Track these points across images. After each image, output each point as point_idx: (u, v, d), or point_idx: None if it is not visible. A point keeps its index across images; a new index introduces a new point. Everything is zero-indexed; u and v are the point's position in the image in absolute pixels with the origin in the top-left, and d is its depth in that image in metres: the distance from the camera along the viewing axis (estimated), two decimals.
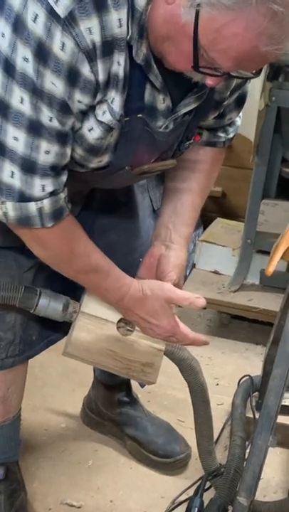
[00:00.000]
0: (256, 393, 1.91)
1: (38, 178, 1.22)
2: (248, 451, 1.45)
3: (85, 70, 1.12)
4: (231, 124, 1.47)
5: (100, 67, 1.13)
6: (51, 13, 1.08)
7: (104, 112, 1.19)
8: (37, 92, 1.14)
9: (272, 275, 1.81)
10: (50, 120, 1.17)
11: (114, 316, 1.42)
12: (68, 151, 1.23)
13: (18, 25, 1.11)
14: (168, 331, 1.40)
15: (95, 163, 1.29)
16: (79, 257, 1.35)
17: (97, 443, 1.99)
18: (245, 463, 1.49)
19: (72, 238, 1.34)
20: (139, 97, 1.22)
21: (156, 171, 1.41)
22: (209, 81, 1.16)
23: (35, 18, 1.09)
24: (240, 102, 1.42)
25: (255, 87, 2.19)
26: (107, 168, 1.30)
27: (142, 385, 1.83)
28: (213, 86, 1.19)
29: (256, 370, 1.96)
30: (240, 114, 1.49)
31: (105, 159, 1.28)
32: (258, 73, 1.18)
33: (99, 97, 1.17)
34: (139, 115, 1.23)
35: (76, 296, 1.54)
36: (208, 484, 1.59)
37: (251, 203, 2.48)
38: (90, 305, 1.42)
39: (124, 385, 1.95)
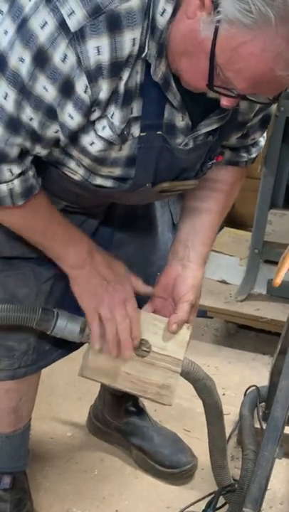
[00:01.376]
0: (263, 403, 1.90)
1: (5, 165, 1.23)
2: None
3: (80, 88, 1.12)
4: (254, 144, 1.46)
5: (104, 86, 1.12)
6: (61, 25, 1.08)
7: (104, 127, 1.19)
8: (24, 92, 1.14)
9: (280, 285, 1.81)
10: (30, 120, 1.17)
11: None
12: (38, 148, 1.24)
13: (23, 28, 1.11)
14: (127, 292, 1.41)
15: (105, 172, 1.29)
16: (50, 229, 1.36)
17: (103, 452, 1.99)
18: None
19: (43, 213, 1.35)
20: (157, 114, 1.21)
21: (178, 190, 1.40)
22: (224, 101, 1.16)
23: (44, 25, 1.09)
24: (264, 123, 1.41)
25: None
26: (128, 185, 1.30)
27: None
28: (228, 107, 1.18)
29: (263, 380, 1.96)
30: (265, 134, 1.47)
31: (117, 171, 1.28)
32: (275, 99, 1.17)
33: (97, 113, 1.17)
34: (159, 132, 1.23)
35: None
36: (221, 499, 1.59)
37: (259, 212, 2.47)
38: None
39: (131, 395, 1.95)
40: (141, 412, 1.97)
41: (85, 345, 1.57)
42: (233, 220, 3.03)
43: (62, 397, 2.20)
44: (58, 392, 2.22)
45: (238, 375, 2.38)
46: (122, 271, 1.43)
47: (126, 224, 1.56)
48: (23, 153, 1.24)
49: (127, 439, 1.96)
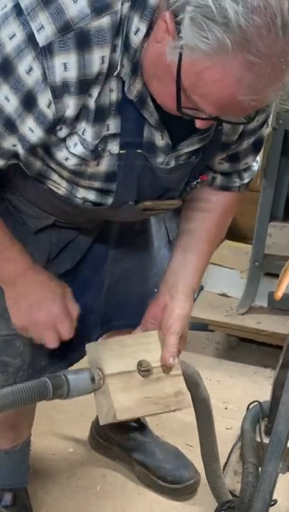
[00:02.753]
0: (265, 418, 1.89)
1: None
2: None
3: (43, 102, 1.12)
4: (247, 169, 1.45)
5: (71, 103, 1.12)
6: (30, 38, 1.08)
7: (75, 144, 1.19)
8: None
9: (281, 298, 1.80)
10: None
11: (133, 364, 1.39)
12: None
13: None
14: (53, 315, 1.40)
15: (85, 184, 1.29)
16: None
17: (105, 468, 1.98)
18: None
19: None
20: (136, 132, 1.22)
21: (161, 209, 1.41)
22: (197, 123, 1.16)
23: (12, 36, 1.09)
24: (256, 147, 1.41)
25: None
26: (111, 201, 1.31)
27: None
28: (202, 128, 1.18)
29: (265, 393, 1.95)
30: (258, 159, 1.47)
31: (96, 184, 1.28)
32: (251, 119, 1.17)
33: (65, 130, 1.17)
34: (139, 150, 1.23)
35: (90, 321, 1.54)
36: None
37: (259, 225, 2.47)
38: (110, 364, 1.37)
39: None
40: (142, 427, 1.96)
41: (83, 359, 1.57)
42: (233, 232, 3.02)
43: (64, 413, 2.19)
44: (59, 407, 2.21)
45: (240, 388, 2.37)
46: (55, 288, 1.42)
47: (122, 240, 1.56)
48: None
49: (129, 455, 1.95)
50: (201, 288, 2.73)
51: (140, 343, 1.42)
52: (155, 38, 1.10)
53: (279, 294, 1.74)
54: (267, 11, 0.98)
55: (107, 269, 1.57)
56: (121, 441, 1.95)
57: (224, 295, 2.67)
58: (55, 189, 1.32)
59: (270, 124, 1.41)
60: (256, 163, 1.47)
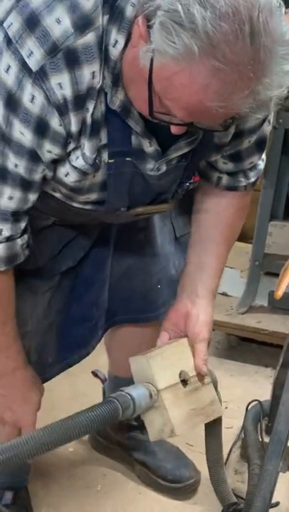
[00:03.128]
0: (266, 418, 1.89)
1: None
2: None
3: (54, 123, 1.14)
4: (253, 168, 1.45)
5: (73, 119, 1.15)
6: (23, 66, 1.10)
7: (77, 158, 1.21)
8: (5, 139, 1.16)
9: (281, 297, 1.80)
10: (16, 167, 1.19)
11: (176, 375, 1.39)
12: (31, 197, 1.25)
13: None
14: (20, 421, 1.48)
15: (82, 199, 1.31)
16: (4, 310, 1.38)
17: (105, 467, 1.98)
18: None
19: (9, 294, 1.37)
20: (124, 142, 1.23)
21: (152, 213, 1.42)
22: (172, 129, 1.16)
23: (8, 68, 1.11)
24: (260, 146, 1.41)
25: None
26: (103, 209, 1.32)
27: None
28: (177, 134, 1.18)
29: (265, 393, 1.95)
30: (264, 157, 1.46)
31: (93, 196, 1.30)
32: (226, 128, 1.17)
33: (72, 145, 1.19)
34: (128, 159, 1.24)
35: (95, 317, 1.54)
36: None
37: (259, 224, 2.47)
38: (161, 377, 1.36)
39: None
40: (143, 426, 1.96)
41: (84, 361, 1.58)
42: None
43: (65, 413, 2.15)
44: (60, 407, 2.20)
45: (241, 388, 2.36)
46: (34, 396, 1.49)
47: (124, 237, 1.57)
48: (18, 213, 1.25)
49: (130, 454, 1.95)
50: None
51: (176, 352, 1.41)
52: (132, 43, 1.11)
53: (279, 294, 1.74)
54: (235, 17, 0.98)
55: (109, 267, 1.57)
56: (121, 440, 1.96)
57: (224, 294, 2.67)
58: (52, 192, 1.33)
59: (271, 122, 1.39)
60: (262, 162, 1.47)
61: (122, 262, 1.58)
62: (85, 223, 1.48)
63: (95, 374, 1.90)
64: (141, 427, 1.95)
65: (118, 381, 1.82)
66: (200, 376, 1.40)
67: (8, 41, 1.10)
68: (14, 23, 1.10)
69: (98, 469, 1.97)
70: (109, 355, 1.92)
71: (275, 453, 1.36)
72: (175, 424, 1.33)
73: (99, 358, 1.86)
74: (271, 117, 1.37)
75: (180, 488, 1.88)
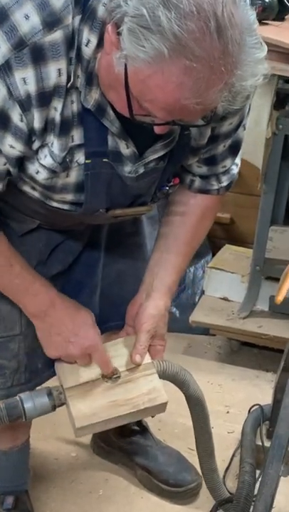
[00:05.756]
0: (267, 422, 1.90)
1: None
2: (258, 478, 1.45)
3: (16, 117, 1.15)
4: (226, 172, 1.46)
5: (36, 115, 1.15)
6: None
7: (45, 156, 1.22)
8: None
9: (282, 302, 1.81)
10: None
11: (95, 373, 1.43)
12: None
13: None
14: (88, 347, 1.41)
15: (58, 198, 1.32)
16: (6, 273, 1.37)
17: (107, 472, 1.98)
18: (256, 491, 1.48)
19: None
20: (100, 142, 1.24)
21: (131, 215, 1.44)
22: (156, 129, 1.18)
23: None
24: (234, 150, 1.42)
25: (262, 115, 2.21)
26: (82, 210, 1.33)
27: None
28: (160, 133, 1.20)
29: (267, 397, 1.95)
30: (238, 161, 1.47)
31: (70, 196, 1.31)
32: (208, 121, 1.18)
33: (37, 143, 1.20)
34: (105, 159, 1.25)
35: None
36: None
37: (259, 229, 2.48)
38: (68, 377, 1.43)
39: None
40: (144, 431, 1.97)
41: None
42: (233, 237, 3.04)
43: (67, 417, 2.18)
44: (61, 412, 2.21)
45: (242, 392, 2.37)
46: (85, 318, 1.45)
47: (114, 242, 1.58)
48: None
49: (131, 459, 1.95)
50: (203, 292, 2.74)
51: (113, 350, 1.45)
52: (105, 50, 1.12)
53: (280, 298, 1.74)
54: (200, 15, 1.00)
55: (100, 271, 1.58)
56: (123, 445, 1.96)
57: (225, 299, 2.68)
58: (31, 191, 1.33)
59: (246, 126, 1.41)
60: (236, 167, 1.48)
61: (113, 267, 1.59)
62: (70, 227, 1.48)
63: None
64: (142, 431, 1.96)
65: None
66: (135, 368, 1.42)
67: None
68: None
69: (100, 474, 1.98)
70: None
71: (276, 457, 1.36)
72: (76, 416, 1.37)
73: None
74: (247, 122, 1.39)
75: (182, 492, 1.89)
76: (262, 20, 2.24)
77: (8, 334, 1.45)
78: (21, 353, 1.51)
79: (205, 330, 2.65)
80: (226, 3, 1.01)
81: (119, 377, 1.43)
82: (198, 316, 2.58)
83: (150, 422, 2.00)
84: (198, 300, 2.72)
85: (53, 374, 1.60)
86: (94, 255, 1.57)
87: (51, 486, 1.92)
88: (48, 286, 1.42)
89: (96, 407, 1.39)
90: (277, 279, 2.46)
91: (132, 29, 1.03)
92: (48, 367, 1.56)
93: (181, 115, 1.12)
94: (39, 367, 1.56)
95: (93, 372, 1.42)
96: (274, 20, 2.30)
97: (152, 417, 1.86)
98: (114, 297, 1.63)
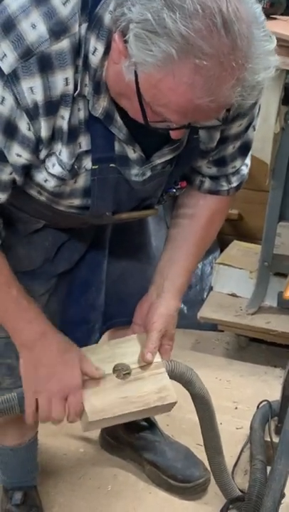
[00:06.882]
0: (275, 418, 1.90)
1: None
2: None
3: (23, 126, 1.15)
4: (235, 172, 1.45)
5: (44, 124, 1.15)
6: None
7: (53, 165, 1.22)
8: None
9: None
10: None
11: (108, 367, 1.42)
12: (1, 195, 1.25)
13: None
14: (70, 386, 1.36)
15: (66, 203, 1.32)
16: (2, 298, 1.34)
17: (116, 468, 1.99)
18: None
19: None
20: (107, 148, 1.24)
21: (137, 218, 1.44)
22: (172, 134, 1.18)
23: None
24: (243, 151, 1.41)
25: (270, 110, 2.20)
26: (88, 213, 1.33)
27: None
28: (177, 138, 1.20)
29: (275, 393, 1.96)
30: (248, 162, 1.47)
31: (77, 201, 1.31)
32: (225, 121, 1.18)
33: (44, 152, 1.19)
34: (112, 165, 1.25)
35: (92, 320, 1.54)
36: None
37: (268, 225, 2.48)
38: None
39: None
40: (152, 426, 1.97)
41: None
42: (242, 233, 3.04)
43: None
44: None
45: (251, 388, 2.37)
46: (74, 356, 1.39)
47: (119, 240, 1.58)
48: None
49: (140, 454, 1.95)
50: (211, 288, 2.74)
51: (117, 347, 1.45)
52: (112, 59, 1.12)
53: (288, 294, 1.74)
54: (205, 12, 0.99)
55: (105, 269, 1.58)
56: (131, 440, 1.96)
57: (233, 295, 2.67)
58: (38, 195, 1.33)
59: (256, 127, 1.40)
60: (246, 167, 1.47)
61: (118, 265, 1.60)
62: (75, 227, 1.49)
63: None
64: (151, 427, 1.97)
65: None
66: (146, 366, 1.42)
67: None
68: None
69: (109, 469, 1.98)
70: None
71: (284, 453, 1.37)
72: (89, 410, 1.36)
73: None
74: (256, 123, 1.38)
75: (190, 487, 1.89)
76: (270, 15, 2.23)
77: None
78: None
79: (213, 326, 2.65)
80: None
81: (129, 373, 1.43)
82: (206, 312, 2.58)
83: (158, 418, 2.00)
84: (207, 296, 2.72)
85: None
86: (99, 253, 1.57)
87: (60, 482, 1.92)
88: (42, 316, 1.39)
89: (108, 402, 1.39)
90: (285, 275, 2.47)
91: (139, 35, 1.02)
92: None
93: (196, 116, 1.11)
94: None
95: (107, 366, 1.42)
96: (282, 14, 2.29)
97: None
98: (119, 294, 1.63)
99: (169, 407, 1.45)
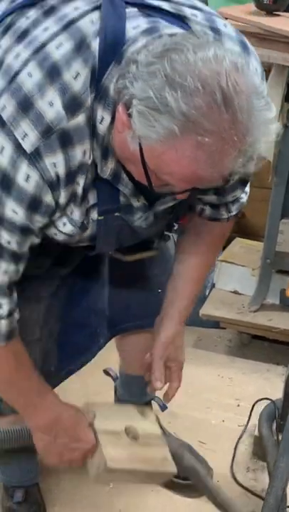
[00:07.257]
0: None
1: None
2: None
3: (48, 198, 1.16)
4: (235, 201, 1.46)
5: (63, 193, 1.17)
6: (18, 148, 1.12)
7: (64, 224, 1.23)
8: None
9: None
10: (9, 243, 1.20)
11: (120, 426, 1.45)
12: (21, 267, 1.26)
13: None
14: (89, 450, 1.41)
15: (73, 246, 1.33)
16: (21, 379, 1.37)
17: None
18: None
19: (19, 359, 1.36)
20: (112, 201, 1.26)
21: (137, 259, 1.47)
22: (178, 196, 1.20)
23: (2, 149, 1.13)
24: (243, 182, 1.42)
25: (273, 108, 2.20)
26: (94, 252, 1.36)
27: (163, 408, 1.82)
28: (182, 199, 1.22)
29: (277, 390, 1.95)
30: (247, 190, 1.48)
31: (83, 244, 1.33)
32: (226, 182, 1.18)
33: (58, 214, 1.21)
34: (116, 214, 1.27)
35: (93, 324, 1.55)
36: None
37: (270, 222, 2.48)
38: (100, 422, 1.44)
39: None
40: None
41: (96, 359, 1.59)
42: (244, 230, 3.04)
43: None
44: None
45: (253, 385, 2.37)
46: (86, 423, 1.43)
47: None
48: (11, 285, 1.27)
49: None
50: (213, 285, 2.74)
51: (123, 410, 1.51)
52: (117, 128, 1.13)
53: None
54: (206, 90, 1.00)
55: (106, 272, 1.59)
56: None
57: (236, 292, 2.67)
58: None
59: (255, 158, 1.40)
60: (245, 195, 1.48)
61: (119, 268, 1.60)
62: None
63: (106, 372, 1.91)
64: None
65: (129, 379, 1.83)
66: (151, 437, 1.46)
67: (2, 123, 1.12)
68: (8, 106, 1.12)
69: None
70: (120, 354, 1.93)
71: (287, 450, 1.37)
72: (109, 458, 1.38)
73: (110, 355, 1.86)
74: (255, 156, 1.37)
75: (193, 485, 1.88)
76: (273, 11, 2.23)
77: (30, 339, 1.45)
78: (38, 357, 1.51)
79: (215, 323, 2.65)
80: (230, 73, 1.02)
81: (137, 438, 1.45)
82: (208, 310, 2.58)
83: (161, 415, 2.00)
84: (209, 293, 2.72)
85: (66, 376, 1.60)
86: (100, 257, 1.57)
87: (62, 479, 1.92)
88: (57, 399, 1.43)
89: (123, 455, 1.41)
90: (287, 273, 2.46)
91: (141, 111, 1.04)
92: (61, 369, 1.57)
93: (200, 183, 1.13)
94: (52, 370, 1.57)
95: (119, 425, 1.45)
96: (285, 11, 2.28)
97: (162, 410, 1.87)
98: (122, 298, 1.64)
99: (167, 476, 1.50)
